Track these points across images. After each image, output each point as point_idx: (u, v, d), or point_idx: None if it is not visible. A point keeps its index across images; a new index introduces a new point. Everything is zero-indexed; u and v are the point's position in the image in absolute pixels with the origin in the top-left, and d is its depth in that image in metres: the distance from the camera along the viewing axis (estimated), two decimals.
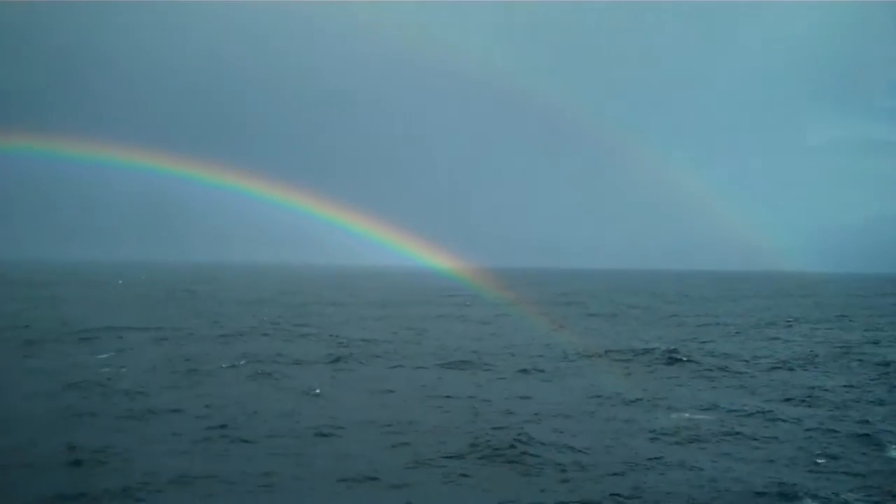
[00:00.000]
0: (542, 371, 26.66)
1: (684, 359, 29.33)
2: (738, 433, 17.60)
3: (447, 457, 15.17)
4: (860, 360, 30.29)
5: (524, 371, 26.55)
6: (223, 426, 17.31)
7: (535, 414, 19.36)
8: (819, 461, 15.40)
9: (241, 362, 26.85)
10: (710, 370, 27.11)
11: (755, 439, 17.16)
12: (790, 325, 46.95)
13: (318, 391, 21.95)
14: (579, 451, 15.74)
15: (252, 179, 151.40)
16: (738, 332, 42.16)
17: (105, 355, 28.48)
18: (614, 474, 14.28)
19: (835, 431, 17.86)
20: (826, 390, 23.33)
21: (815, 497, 12.94)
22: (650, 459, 15.22)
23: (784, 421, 19.03)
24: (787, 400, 21.83)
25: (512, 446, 15.79)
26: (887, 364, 29.03)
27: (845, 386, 24.25)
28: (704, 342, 36.18)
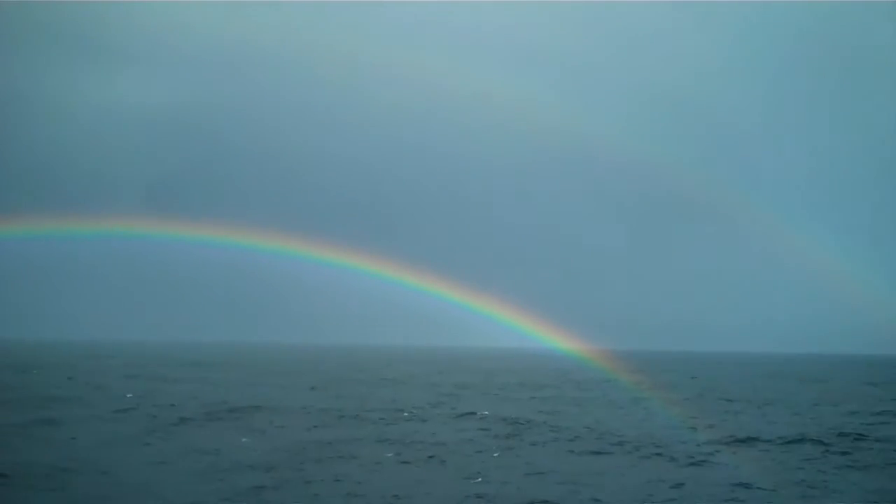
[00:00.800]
0: (688, 458, 26.38)
1: (838, 449, 28.48)
2: None
3: None
4: None
5: (671, 458, 26.34)
6: None
7: None
8: None
9: (395, 446, 27.53)
10: (868, 458, 26.28)
11: None
12: None
13: (479, 479, 22.39)
14: None
15: (376, 261, 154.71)
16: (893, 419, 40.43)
17: (251, 437, 29.55)
18: None
19: None
20: None
21: None
22: None
23: None
24: None
25: None
26: None
27: None
28: (855, 429, 34.88)
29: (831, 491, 20.98)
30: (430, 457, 25.61)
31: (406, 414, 37.64)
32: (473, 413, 38.04)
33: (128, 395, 44.63)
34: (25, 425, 30.99)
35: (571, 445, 28.79)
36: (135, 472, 22.18)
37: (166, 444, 27.86)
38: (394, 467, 23.74)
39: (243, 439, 29.06)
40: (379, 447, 27.36)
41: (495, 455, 26.46)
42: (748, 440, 30.59)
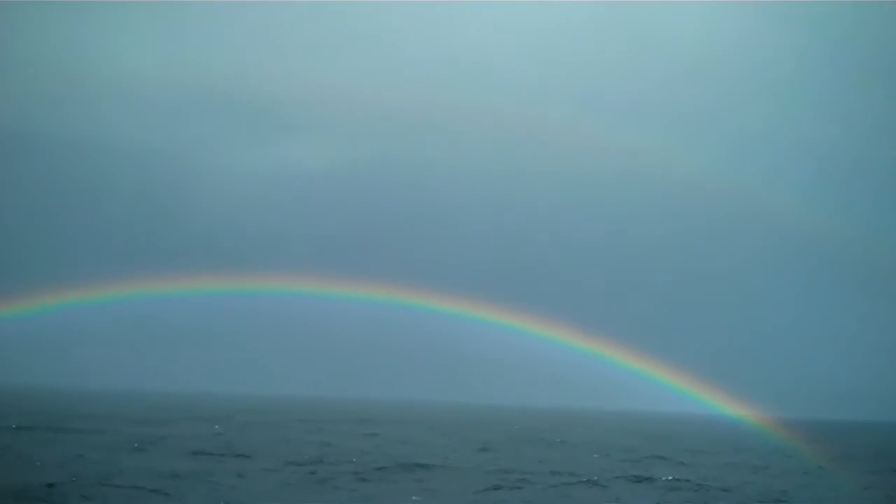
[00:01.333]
0: None
1: None
2: None
3: None
4: None
5: None
6: None
7: None
8: None
9: None
10: None
11: None
12: None
13: None
14: None
15: (536, 321, 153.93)
16: None
17: (422, 496, 29.79)
18: None
19: None
20: None
21: None
22: None
23: None
24: None
25: None
26: None
27: None
28: None
29: None
30: None
31: (585, 479, 36.92)
32: (652, 478, 37.04)
33: (307, 448, 46.04)
34: (214, 473, 32.64)
35: None
36: None
37: (345, 498, 28.64)
38: None
39: (414, 497, 29.39)
40: None
41: None
42: None
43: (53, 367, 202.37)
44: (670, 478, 36.68)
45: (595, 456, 51.71)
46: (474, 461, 43.53)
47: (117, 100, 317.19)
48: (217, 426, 66.92)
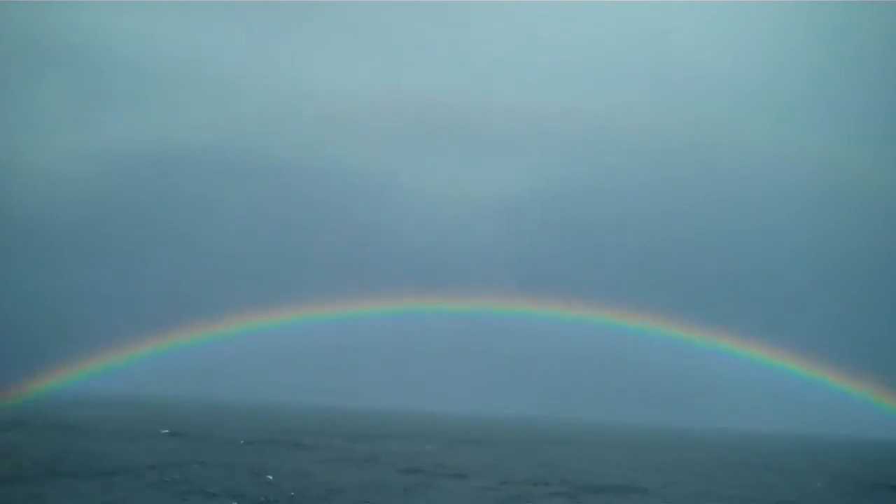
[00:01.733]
0: None
1: None
2: None
3: None
4: None
5: None
6: None
7: None
8: None
9: None
10: None
11: None
12: None
13: None
14: None
15: (761, 347, 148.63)
16: None
17: None
18: None
19: None
20: None
21: None
22: None
23: None
24: None
25: None
26: None
27: None
28: None
29: None
30: None
31: None
32: None
33: (519, 468, 46.58)
34: (432, 489, 33.66)
35: None
36: None
37: None
38: None
39: None
40: None
41: None
42: None
43: (262, 383, 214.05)
44: None
45: (819, 485, 49.04)
46: (691, 486, 42.42)
47: (330, 128, 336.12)
48: (428, 445, 68.55)
